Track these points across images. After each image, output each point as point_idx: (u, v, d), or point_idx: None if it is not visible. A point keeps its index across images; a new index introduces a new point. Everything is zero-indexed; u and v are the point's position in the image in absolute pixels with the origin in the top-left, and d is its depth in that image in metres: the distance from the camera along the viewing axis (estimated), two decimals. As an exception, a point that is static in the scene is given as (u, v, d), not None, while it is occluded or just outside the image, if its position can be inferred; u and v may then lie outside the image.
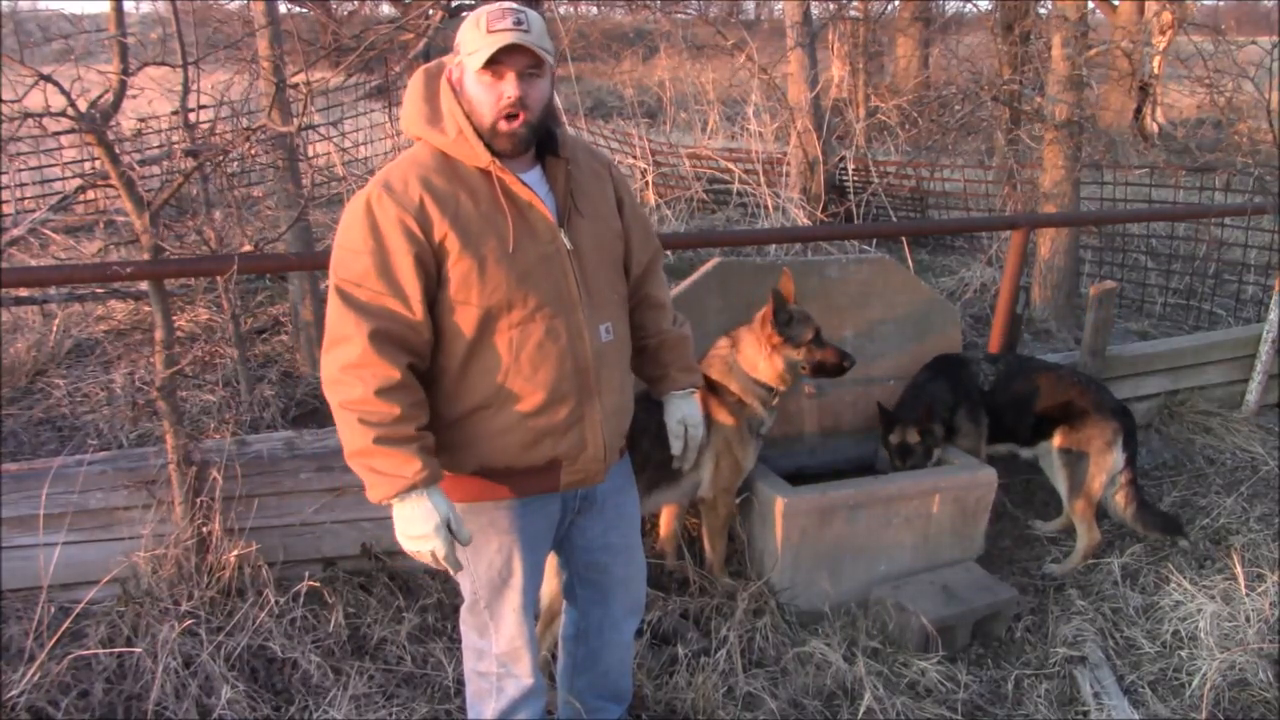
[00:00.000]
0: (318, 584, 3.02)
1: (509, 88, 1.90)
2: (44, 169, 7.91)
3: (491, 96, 1.91)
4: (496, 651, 2.20)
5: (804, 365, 3.02)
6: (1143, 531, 3.65)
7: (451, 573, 2.01)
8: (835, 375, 3.09)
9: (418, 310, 1.91)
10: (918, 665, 2.97)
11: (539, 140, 2.02)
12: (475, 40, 1.89)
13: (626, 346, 2.22)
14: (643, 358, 2.36)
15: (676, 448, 2.45)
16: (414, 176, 1.92)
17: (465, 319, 1.95)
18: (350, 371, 1.86)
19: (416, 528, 1.91)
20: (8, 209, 7.14)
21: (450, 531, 1.94)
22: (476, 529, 2.07)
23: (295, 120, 3.31)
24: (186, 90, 3.19)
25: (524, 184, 1.98)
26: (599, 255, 2.10)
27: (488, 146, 1.94)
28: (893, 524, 3.26)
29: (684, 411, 2.43)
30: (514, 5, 1.91)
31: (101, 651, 2.77)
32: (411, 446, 1.88)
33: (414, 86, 2.02)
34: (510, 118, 1.92)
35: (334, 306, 1.90)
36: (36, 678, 2.64)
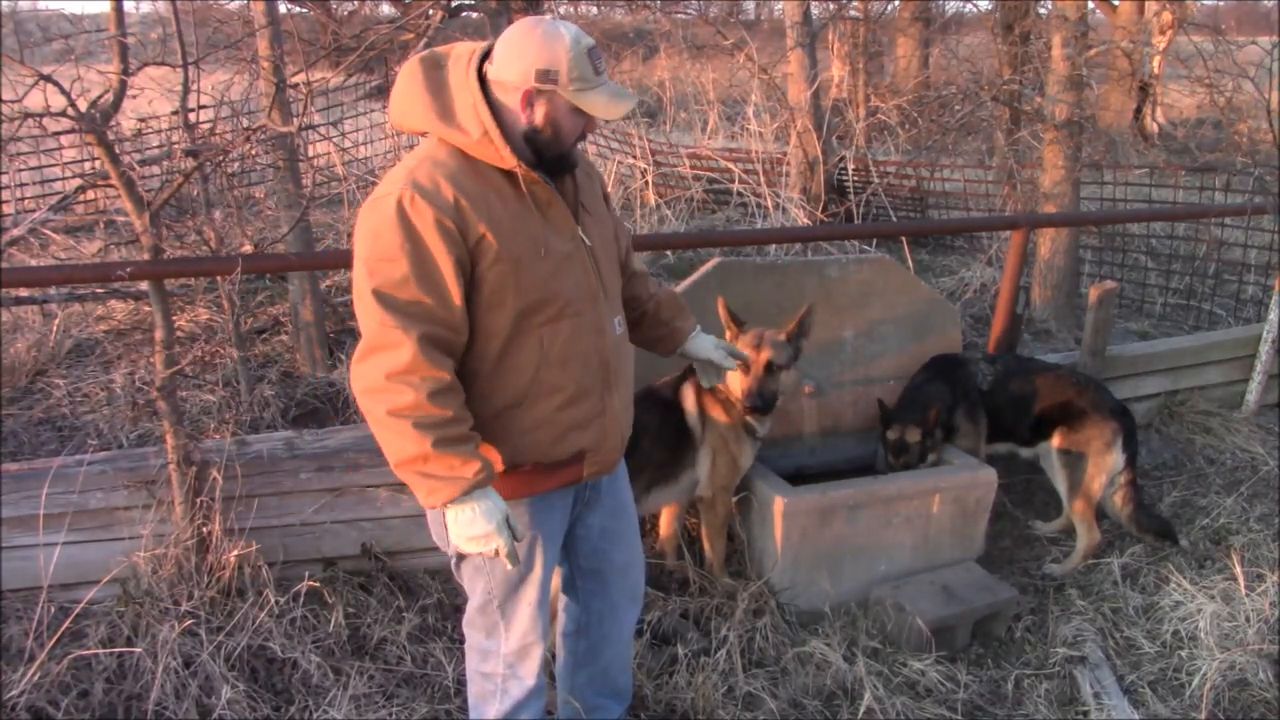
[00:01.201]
0: (318, 584, 3.02)
1: (594, 122, 2.00)
2: (44, 169, 7.90)
3: (579, 127, 1.98)
4: (505, 651, 2.21)
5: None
6: (1137, 533, 3.65)
7: (509, 567, 2.00)
8: (744, 410, 2.97)
9: (459, 312, 1.89)
10: (918, 665, 2.97)
11: None
12: (589, 78, 1.90)
13: (628, 338, 2.27)
14: (645, 323, 2.44)
15: (730, 363, 2.64)
16: (441, 176, 1.88)
17: (500, 319, 1.95)
18: (399, 378, 1.82)
19: (480, 527, 1.89)
20: (8, 209, 7.13)
21: (509, 527, 1.94)
22: None
23: (295, 120, 3.31)
24: (186, 90, 3.19)
25: (546, 184, 1.99)
26: (606, 251, 2.15)
27: (531, 153, 1.95)
28: (893, 524, 3.26)
29: (712, 341, 2.61)
30: (591, 40, 1.93)
31: (101, 651, 2.77)
32: (468, 447, 1.87)
33: (411, 77, 1.94)
34: (581, 138, 2.01)
35: (373, 312, 1.84)
36: (36, 678, 2.64)
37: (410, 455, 1.84)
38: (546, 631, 2.24)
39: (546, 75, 1.88)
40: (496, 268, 1.90)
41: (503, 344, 1.97)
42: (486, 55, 1.94)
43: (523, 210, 1.95)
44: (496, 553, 1.93)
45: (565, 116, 1.93)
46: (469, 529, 1.90)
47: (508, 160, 1.91)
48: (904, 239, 6.66)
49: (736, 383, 2.96)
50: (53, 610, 2.85)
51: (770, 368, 2.91)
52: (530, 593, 2.16)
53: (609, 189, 2.35)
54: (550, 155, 1.97)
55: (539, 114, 1.92)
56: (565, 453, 2.07)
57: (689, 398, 3.08)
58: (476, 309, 1.93)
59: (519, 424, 2.02)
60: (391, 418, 1.83)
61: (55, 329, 4.84)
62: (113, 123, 3.08)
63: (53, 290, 4.44)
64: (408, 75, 1.95)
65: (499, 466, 2.03)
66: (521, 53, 1.88)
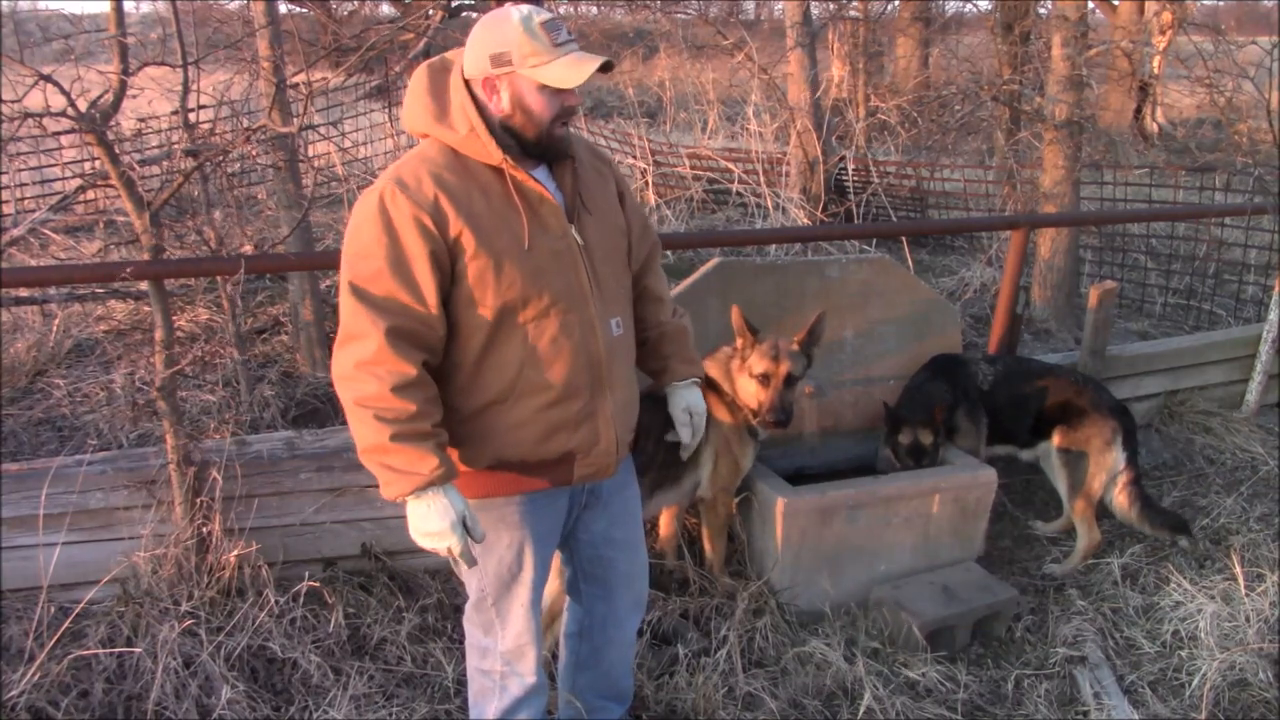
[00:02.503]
0: (318, 584, 3.02)
1: (571, 98, 1.94)
2: (44, 169, 7.91)
3: (555, 105, 1.94)
4: (502, 649, 2.21)
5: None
6: (1150, 531, 3.63)
7: (465, 569, 2.00)
8: (765, 424, 2.94)
9: (433, 306, 1.91)
10: (918, 665, 2.97)
11: None
12: (541, 50, 1.88)
13: (633, 340, 2.24)
14: (643, 350, 2.37)
15: (685, 435, 2.46)
16: (426, 173, 1.92)
17: (481, 315, 1.95)
18: (365, 368, 1.86)
19: (433, 524, 1.90)
20: (8, 209, 7.14)
21: (465, 528, 1.93)
22: (488, 525, 2.08)
23: (295, 120, 3.31)
24: (186, 90, 3.18)
25: (535, 180, 1.99)
26: (606, 250, 2.12)
27: (515, 144, 1.95)
28: (892, 524, 3.26)
29: (688, 400, 2.44)
30: (553, 14, 1.92)
31: (101, 651, 2.77)
32: (428, 443, 1.88)
33: (417, 83, 2.00)
34: (565, 122, 1.96)
35: (348, 304, 1.89)
36: (36, 678, 2.64)
37: (371, 445, 1.87)
38: (540, 632, 2.24)
39: (500, 58, 1.91)
40: (475, 263, 1.92)
41: (485, 340, 1.98)
42: None
43: (508, 207, 1.96)
44: (450, 552, 1.92)
45: (529, 95, 1.92)
46: (423, 524, 1.91)
47: (494, 155, 1.93)
48: (904, 239, 6.66)
49: (753, 394, 2.95)
50: (53, 610, 2.85)
51: (790, 380, 2.91)
52: (522, 593, 2.16)
53: (627, 190, 2.29)
54: (532, 140, 1.96)
55: (505, 100, 1.94)
56: (552, 453, 2.06)
57: None
58: (457, 305, 1.95)
59: (503, 421, 2.02)
60: (357, 407, 1.87)
61: (55, 329, 4.84)
62: (113, 123, 3.08)
63: (53, 290, 4.44)
64: (415, 81, 2.01)
65: (466, 465, 2.05)
66: (475, 44, 1.93)
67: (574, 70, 1.89)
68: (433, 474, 1.87)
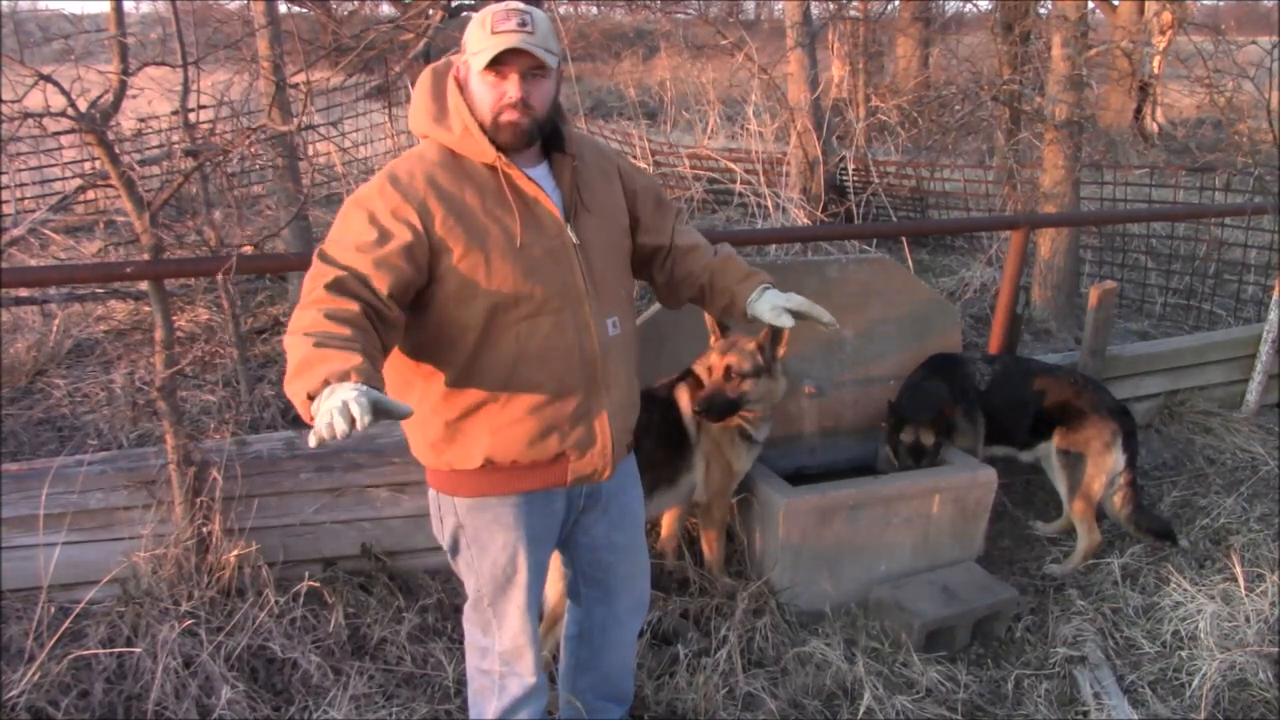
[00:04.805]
0: (318, 584, 3.02)
1: (511, 88, 1.93)
2: (44, 169, 7.91)
3: (494, 95, 1.94)
4: (500, 649, 2.21)
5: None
6: (1135, 534, 3.65)
7: (360, 418, 1.56)
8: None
9: (384, 289, 1.83)
10: (918, 665, 2.97)
11: (546, 137, 2.04)
12: (480, 40, 1.92)
13: (634, 341, 2.23)
14: (707, 298, 2.27)
15: (787, 321, 2.20)
16: (419, 171, 1.95)
17: (472, 313, 1.96)
18: (305, 308, 1.78)
19: (334, 400, 1.57)
20: (8, 209, 7.14)
21: (379, 411, 1.61)
22: (481, 525, 2.09)
23: (295, 120, 3.30)
24: (186, 90, 3.18)
25: (530, 179, 2.00)
26: (606, 250, 2.12)
27: (493, 142, 1.96)
28: (893, 524, 3.26)
29: (771, 302, 2.20)
30: (520, 6, 1.93)
31: (101, 651, 2.77)
32: (355, 348, 1.70)
33: (421, 85, 2.04)
34: (511, 109, 1.94)
35: (311, 267, 1.86)
36: (36, 678, 2.64)
37: (297, 360, 1.67)
38: (537, 634, 2.24)
39: (463, 48, 1.98)
40: (465, 261, 1.93)
41: (477, 338, 1.98)
42: None
43: (500, 205, 1.97)
44: (349, 410, 1.54)
45: (476, 83, 1.95)
46: (325, 402, 1.59)
47: (488, 153, 1.95)
48: (904, 239, 6.66)
49: None
50: (53, 610, 2.84)
51: (729, 374, 2.85)
52: (516, 595, 2.16)
53: (632, 172, 2.26)
54: (489, 129, 1.95)
55: (466, 88, 1.99)
56: (546, 453, 2.06)
57: (684, 401, 3.06)
58: (446, 304, 1.95)
59: (496, 419, 2.02)
60: (289, 336, 1.74)
61: (55, 329, 4.84)
62: (113, 123, 3.08)
63: (53, 290, 4.44)
64: (420, 83, 2.05)
65: (460, 464, 2.04)
66: None
67: (491, 53, 1.89)
68: (351, 365, 1.64)
